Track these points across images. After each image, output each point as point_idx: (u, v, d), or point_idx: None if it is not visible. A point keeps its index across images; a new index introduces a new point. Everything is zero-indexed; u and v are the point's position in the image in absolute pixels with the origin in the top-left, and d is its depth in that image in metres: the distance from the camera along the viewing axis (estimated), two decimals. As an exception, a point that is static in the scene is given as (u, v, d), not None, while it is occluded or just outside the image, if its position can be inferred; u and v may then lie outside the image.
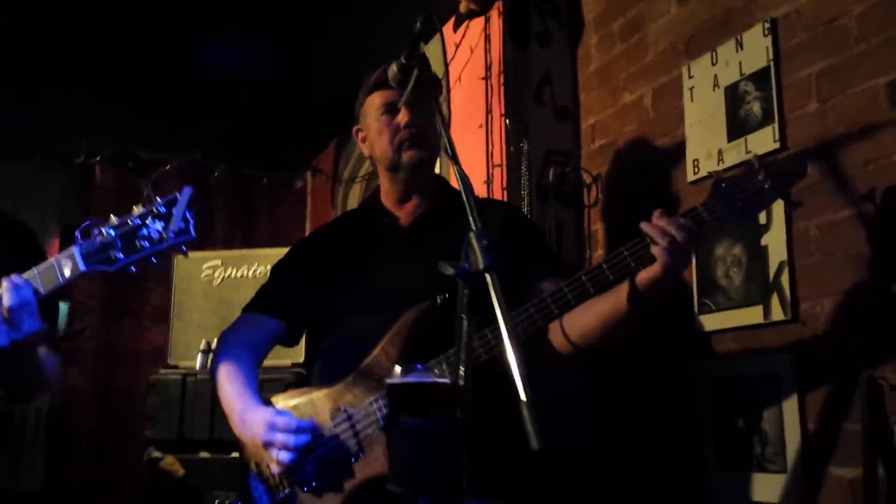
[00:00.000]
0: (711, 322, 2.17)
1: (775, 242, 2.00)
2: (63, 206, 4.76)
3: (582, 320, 1.77)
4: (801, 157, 1.66)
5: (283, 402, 1.85)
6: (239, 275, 3.45)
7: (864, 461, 1.70)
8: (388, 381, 1.39)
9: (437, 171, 2.19)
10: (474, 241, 1.33)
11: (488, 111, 2.94)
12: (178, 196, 1.50)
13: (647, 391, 2.38)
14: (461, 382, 1.33)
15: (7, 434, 3.37)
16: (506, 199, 2.79)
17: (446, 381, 1.37)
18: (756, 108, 2.09)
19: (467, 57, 3.13)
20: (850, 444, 1.76)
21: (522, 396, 1.22)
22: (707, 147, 2.23)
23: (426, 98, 1.92)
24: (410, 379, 1.37)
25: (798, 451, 1.90)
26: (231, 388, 1.87)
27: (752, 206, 1.59)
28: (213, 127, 4.55)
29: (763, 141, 2.05)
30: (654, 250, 1.55)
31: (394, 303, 1.82)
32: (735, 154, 2.12)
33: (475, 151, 2.97)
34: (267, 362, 2.07)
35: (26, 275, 1.56)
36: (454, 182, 1.55)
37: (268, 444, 1.70)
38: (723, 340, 2.15)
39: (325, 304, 1.97)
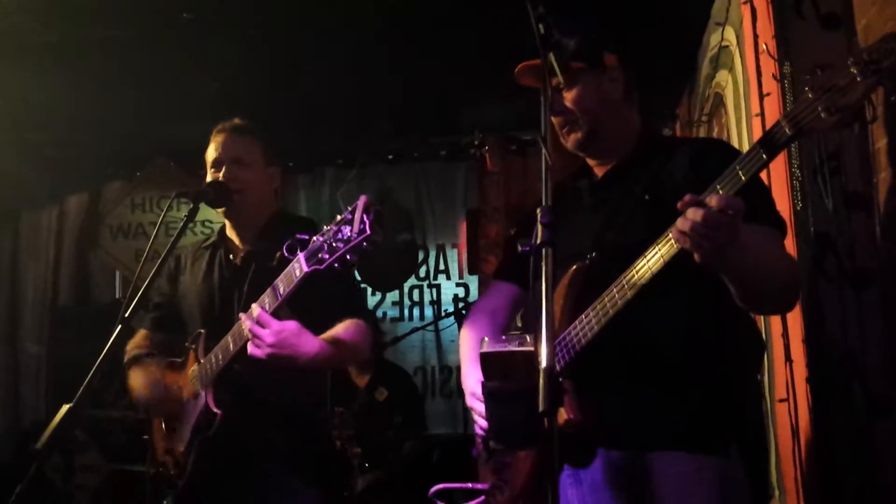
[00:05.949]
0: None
1: None
2: (465, 193, 5.54)
3: None
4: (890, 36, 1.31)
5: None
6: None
7: None
8: (480, 350, 1.58)
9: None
10: (538, 217, 1.46)
11: (755, 37, 2.71)
12: (357, 203, 1.81)
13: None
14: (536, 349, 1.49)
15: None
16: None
17: (523, 348, 1.51)
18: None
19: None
20: None
21: (543, 363, 1.33)
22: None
23: (569, 73, 1.97)
24: (488, 348, 1.54)
25: None
26: (462, 350, 2.18)
27: (841, 106, 1.35)
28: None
29: None
30: None
31: (567, 265, 1.93)
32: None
33: (752, 85, 2.77)
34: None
35: (279, 281, 2.02)
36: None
37: (470, 408, 2.00)
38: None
39: None
